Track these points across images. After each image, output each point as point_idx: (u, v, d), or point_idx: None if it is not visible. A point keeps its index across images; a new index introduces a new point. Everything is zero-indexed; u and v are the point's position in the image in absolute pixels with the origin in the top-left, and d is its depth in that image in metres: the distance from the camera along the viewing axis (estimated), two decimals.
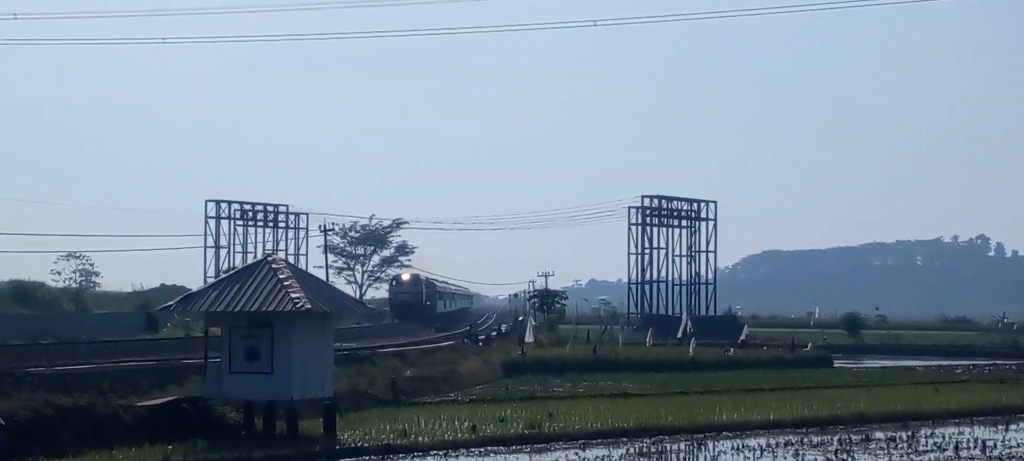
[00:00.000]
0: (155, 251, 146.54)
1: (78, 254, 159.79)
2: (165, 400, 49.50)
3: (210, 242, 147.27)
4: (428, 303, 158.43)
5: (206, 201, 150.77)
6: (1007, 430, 57.07)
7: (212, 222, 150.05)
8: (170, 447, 43.87)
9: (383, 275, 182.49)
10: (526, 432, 51.95)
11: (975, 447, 49.67)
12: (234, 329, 49.14)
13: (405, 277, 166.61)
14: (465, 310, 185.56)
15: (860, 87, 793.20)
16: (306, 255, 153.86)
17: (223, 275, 54.97)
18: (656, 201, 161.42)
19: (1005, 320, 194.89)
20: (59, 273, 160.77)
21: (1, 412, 40.63)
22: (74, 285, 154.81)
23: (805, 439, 52.17)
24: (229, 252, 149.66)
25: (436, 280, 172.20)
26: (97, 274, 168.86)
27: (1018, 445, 50.89)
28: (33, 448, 39.53)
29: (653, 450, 49.05)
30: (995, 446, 50.21)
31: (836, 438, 52.41)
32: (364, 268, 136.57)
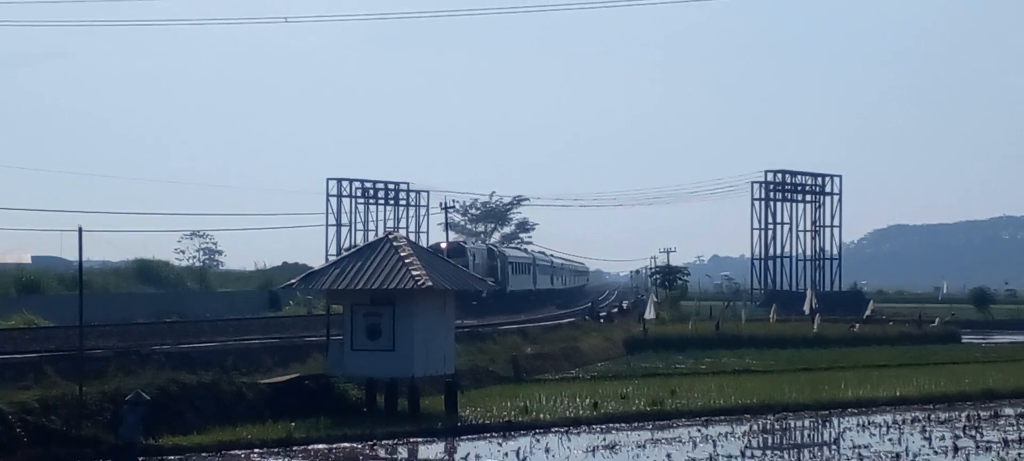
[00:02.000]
0: (277, 229, 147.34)
1: (201, 233, 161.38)
2: (288, 378, 49.99)
3: (331, 220, 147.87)
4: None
5: (327, 179, 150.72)
6: None
7: (334, 200, 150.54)
8: (293, 424, 44.31)
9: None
10: (648, 409, 51.97)
11: None
12: (356, 307, 49.61)
13: (443, 245, 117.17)
14: (576, 288, 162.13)
15: (989, 56, 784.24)
16: (427, 232, 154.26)
17: (344, 253, 55.39)
18: (779, 176, 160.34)
19: None
20: (183, 252, 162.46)
21: (128, 389, 41.33)
22: (197, 264, 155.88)
23: (932, 415, 51.89)
24: (350, 230, 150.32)
25: (510, 249, 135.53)
26: (220, 253, 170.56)
27: None
28: (159, 424, 40.17)
29: (777, 427, 49.05)
30: None
31: (964, 414, 52.04)
32: (485, 244, 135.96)
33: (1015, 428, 47.73)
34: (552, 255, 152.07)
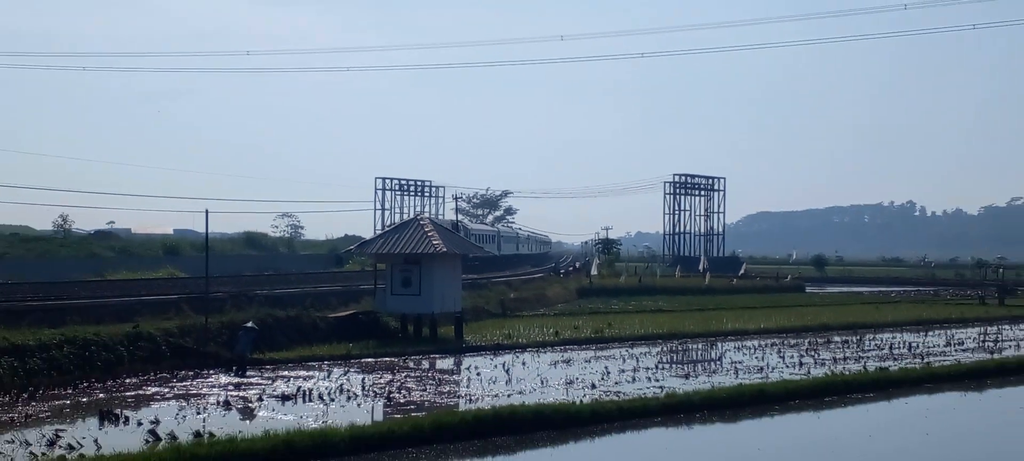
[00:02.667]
0: (341, 212, 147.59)
1: (289, 214, 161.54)
2: (347, 313, 50.19)
3: (377, 206, 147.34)
4: None
5: (375, 177, 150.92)
6: (926, 335, 56.76)
7: (379, 192, 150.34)
8: (351, 345, 44.54)
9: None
10: (592, 335, 52.22)
11: (903, 347, 49.49)
12: (394, 265, 49.77)
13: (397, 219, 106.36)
14: (540, 253, 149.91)
15: (826, 88, 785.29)
16: (442, 215, 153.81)
17: (387, 229, 55.66)
18: (683, 177, 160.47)
19: (925, 260, 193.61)
20: (276, 226, 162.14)
21: (241, 320, 41.56)
22: (286, 235, 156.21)
23: (785, 341, 52.14)
24: (390, 213, 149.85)
25: (469, 222, 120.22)
26: (302, 227, 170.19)
27: (933, 346, 50.69)
28: (261, 344, 40.43)
29: (680, 348, 49.27)
30: (917, 346, 49.98)
31: (806, 340, 52.29)
32: (482, 225, 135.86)
33: (841, 349, 48.02)
34: (518, 229, 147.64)
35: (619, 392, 33.12)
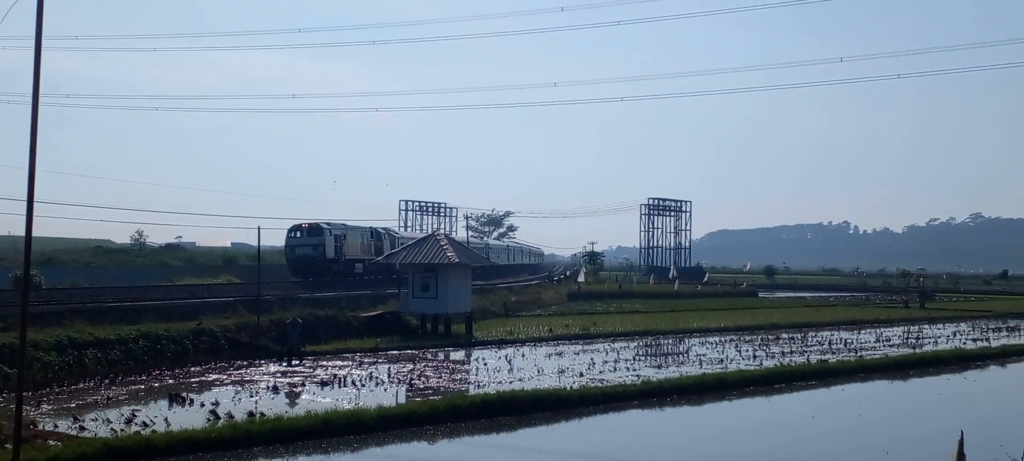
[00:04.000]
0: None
1: None
2: (376, 313, 50.18)
3: (401, 224, 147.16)
4: (340, 257, 68.85)
5: (399, 200, 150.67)
6: (859, 333, 56.65)
7: (403, 213, 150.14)
8: (379, 339, 44.54)
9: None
10: (580, 332, 52.15)
11: (840, 343, 49.36)
12: (415, 273, 49.72)
13: (305, 224, 68.01)
14: (533, 263, 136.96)
15: (776, 126, 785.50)
16: (455, 232, 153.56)
17: (409, 243, 55.66)
18: (656, 200, 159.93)
19: (858, 270, 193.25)
20: None
21: (288, 317, 41.53)
22: None
23: (741, 337, 52.04)
24: (411, 230, 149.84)
25: (394, 231, 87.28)
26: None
27: (865, 342, 50.59)
28: (305, 338, 40.38)
29: (653, 343, 49.19)
30: (851, 342, 49.88)
31: (759, 337, 52.25)
32: (488, 239, 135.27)
33: (788, 344, 47.96)
34: (509, 243, 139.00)
35: (603, 379, 33.08)
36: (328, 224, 66.67)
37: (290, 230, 66.62)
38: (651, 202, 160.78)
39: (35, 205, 10.60)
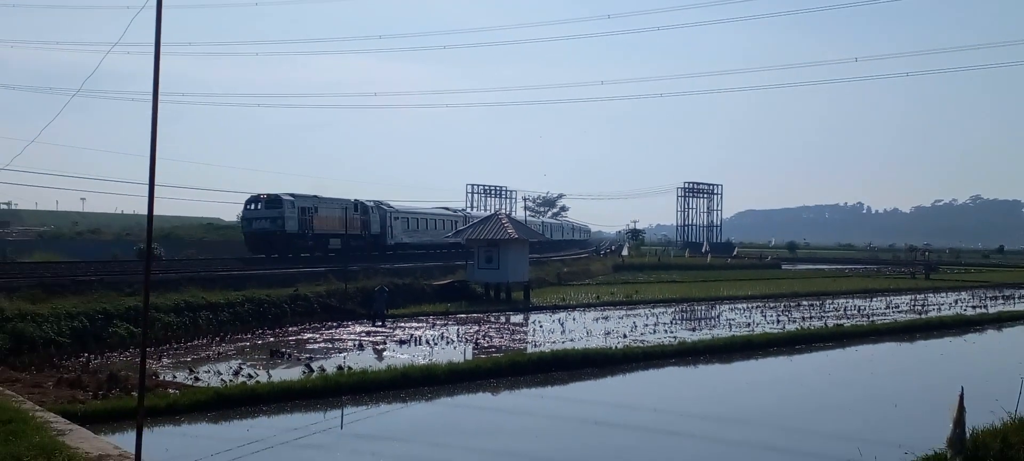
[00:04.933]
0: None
1: None
2: (446, 282, 50.30)
3: (470, 204, 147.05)
4: (307, 231, 54.04)
5: (466, 184, 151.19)
6: (871, 300, 55.97)
7: (469, 195, 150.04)
8: (448, 305, 44.72)
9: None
10: (623, 299, 51.94)
11: (854, 309, 48.82)
12: (480, 247, 49.88)
13: (263, 195, 53.10)
14: (581, 239, 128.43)
15: (797, 117, 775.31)
16: (513, 212, 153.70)
17: (475, 221, 55.77)
18: (691, 185, 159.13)
19: (870, 246, 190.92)
20: None
21: (373, 284, 41.83)
22: None
23: (766, 304, 51.58)
24: (477, 210, 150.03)
25: (387, 204, 65.64)
26: None
27: (876, 308, 49.94)
28: (388, 303, 40.62)
29: (688, 309, 48.89)
30: (864, 308, 49.33)
31: (782, 304, 51.72)
32: (542, 218, 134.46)
33: (808, 310, 47.45)
34: (562, 221, 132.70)
35: (643, 340, 32.98)
36: (292, 195, 53.64)
37: (247, 202, 53.64)
38: (686, 185, 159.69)
39: (156, 188, 10.80)
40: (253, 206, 53.07)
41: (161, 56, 11.13)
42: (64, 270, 37.61)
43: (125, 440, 14.24)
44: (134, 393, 18.96)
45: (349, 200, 59.51)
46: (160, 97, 11.14)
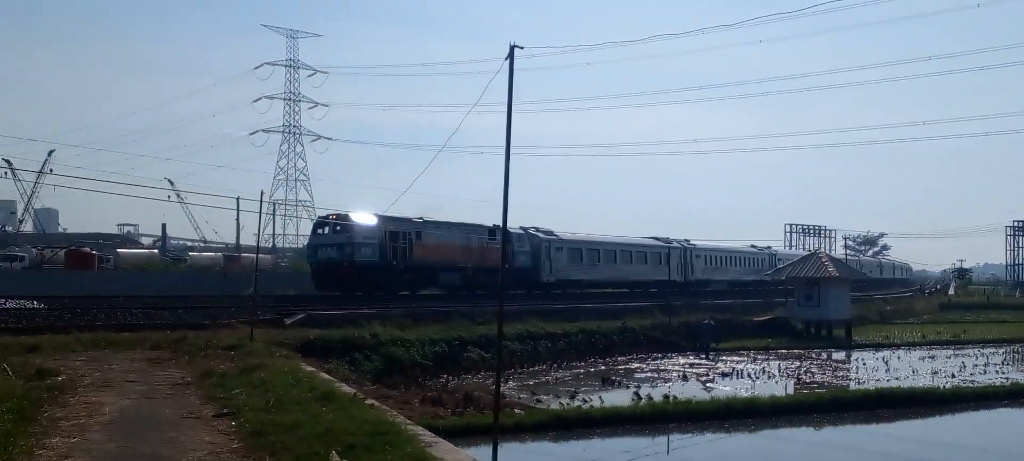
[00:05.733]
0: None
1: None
2: (766, 318, 48.96)
3: (787, 243, 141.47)
4: (401, 260, 41.38)
5: (784, 223, 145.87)
6: None
7: (788, 234, 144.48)
8: (769, 340, 43.49)
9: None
10: (950, 338, 47.94)
11: None
12: (800, 285, 48.23)
13: (332, 216, 42.04)
14: (903, 279, 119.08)
15: None
16: (834, 251, 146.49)
17: (793, 260, 53.72)
18: (1021, 222, 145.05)
19: None
20: None
21: (694, 321, 41.62)
22: None
23: None
24: (795, 249, 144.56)
25: (541, 231, 51.02)
26: None
27: None
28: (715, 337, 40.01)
29: (1022, 350, 44.46)
30: None
31: None
32: (861, 257, 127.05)
33: None
34: (881, 260, 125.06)
35: (973, 380, 30.36)
36: (376, 217, 41.30)
37: (314, 226, 44.43)
38: (1016, 223, 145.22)
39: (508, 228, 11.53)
40: (321, 231, 42.33)
41: (512, 114, 11.86)
42: (427, 302, 40.29)
43: (481, 454, 15.14)
44: (486, 411, 20.08)
45: (483, 225, 47.63)
46: (513, 150, 11.86)
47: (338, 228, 40.86)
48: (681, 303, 47.54)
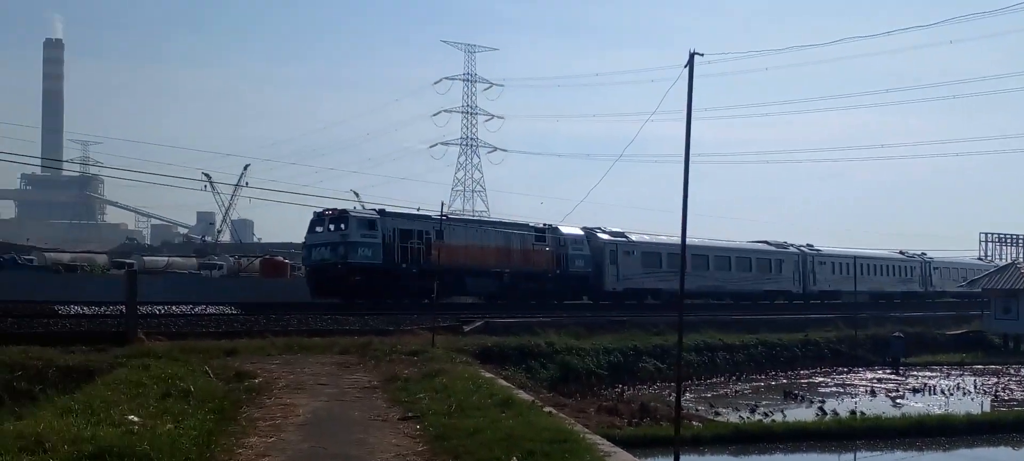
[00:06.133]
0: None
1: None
2: (960, 331, 46.03)
3: (980, 253, 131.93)
4: (405, 266, 35.24)
5: (979, 232, 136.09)
6: None
7: (983, 244, 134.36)
8: (963, 355, 40.85)
9: None
10: None
11: None
12: (997, 297, 45.11)
13: (327, 212, 35.46)
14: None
15: None
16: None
17: (1001, 266, 49.45)
18: None
19: None
20: None
21: (882, 335, 39.72)
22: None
23: None
24: (992, 259, 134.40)
25: (606, 232, 44.31)
26: None
27: None
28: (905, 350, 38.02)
29: None
30: None
31: None
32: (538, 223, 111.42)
33: None
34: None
35: None
36: (378, 212, 36.60)
37: (311, 222, 36.69)
38: None
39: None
40: (317, 229, 35.97)
41: (692, 121, 11.58)
42: (601, 311, 40.12)
43: None
44: (663, 422, 19.75)
45: (528, 224, 42.28)
46: (691, 158, 11.58)
47: (333, 226, 35.28)
48: (868, 315, 45.38)
